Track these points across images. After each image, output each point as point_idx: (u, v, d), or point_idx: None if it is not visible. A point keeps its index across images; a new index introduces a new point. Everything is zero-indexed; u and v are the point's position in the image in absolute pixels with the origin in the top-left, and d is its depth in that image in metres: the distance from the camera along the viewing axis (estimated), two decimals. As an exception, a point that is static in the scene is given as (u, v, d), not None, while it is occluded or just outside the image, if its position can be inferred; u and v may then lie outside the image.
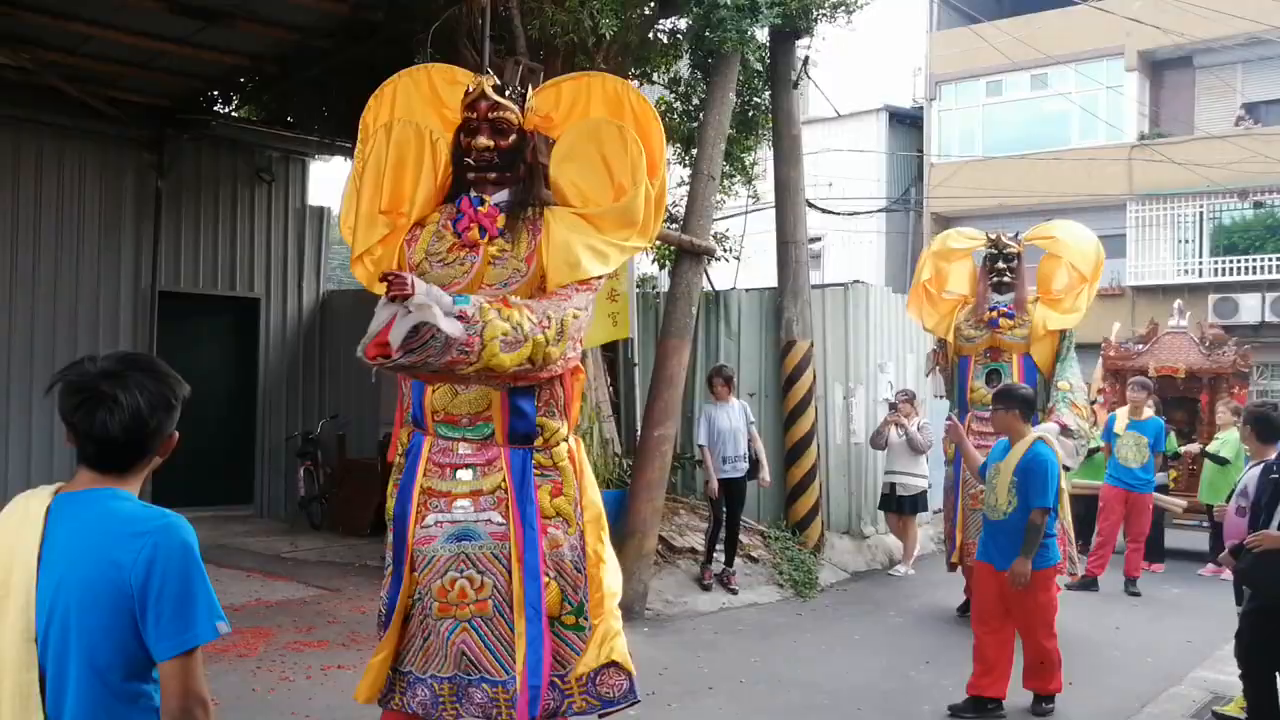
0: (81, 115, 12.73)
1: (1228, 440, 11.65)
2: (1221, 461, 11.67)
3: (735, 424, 10.07)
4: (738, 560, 10.23)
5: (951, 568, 9.56)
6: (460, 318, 4.14)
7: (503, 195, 4.92)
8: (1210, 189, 23.96)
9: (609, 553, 5.02)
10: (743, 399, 10.70)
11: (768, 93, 12.31)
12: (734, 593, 9.92)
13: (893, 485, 11.49)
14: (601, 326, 10.09)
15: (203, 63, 12.19)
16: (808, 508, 11.35)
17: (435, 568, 4.73)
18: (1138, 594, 10.84)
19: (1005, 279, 9.51)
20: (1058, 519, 7.00)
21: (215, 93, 13.84)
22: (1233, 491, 7.04)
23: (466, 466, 4.81)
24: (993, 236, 9.76)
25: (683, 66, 12.42)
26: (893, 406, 11.60)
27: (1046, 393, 9.26)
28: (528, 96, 5.05)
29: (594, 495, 5.07)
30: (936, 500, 11.64)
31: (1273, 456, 6.54)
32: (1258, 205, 24.57)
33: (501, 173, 4.94)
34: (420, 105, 5.19)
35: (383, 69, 11.12)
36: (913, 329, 13.37)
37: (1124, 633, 9.26)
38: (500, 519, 4.73)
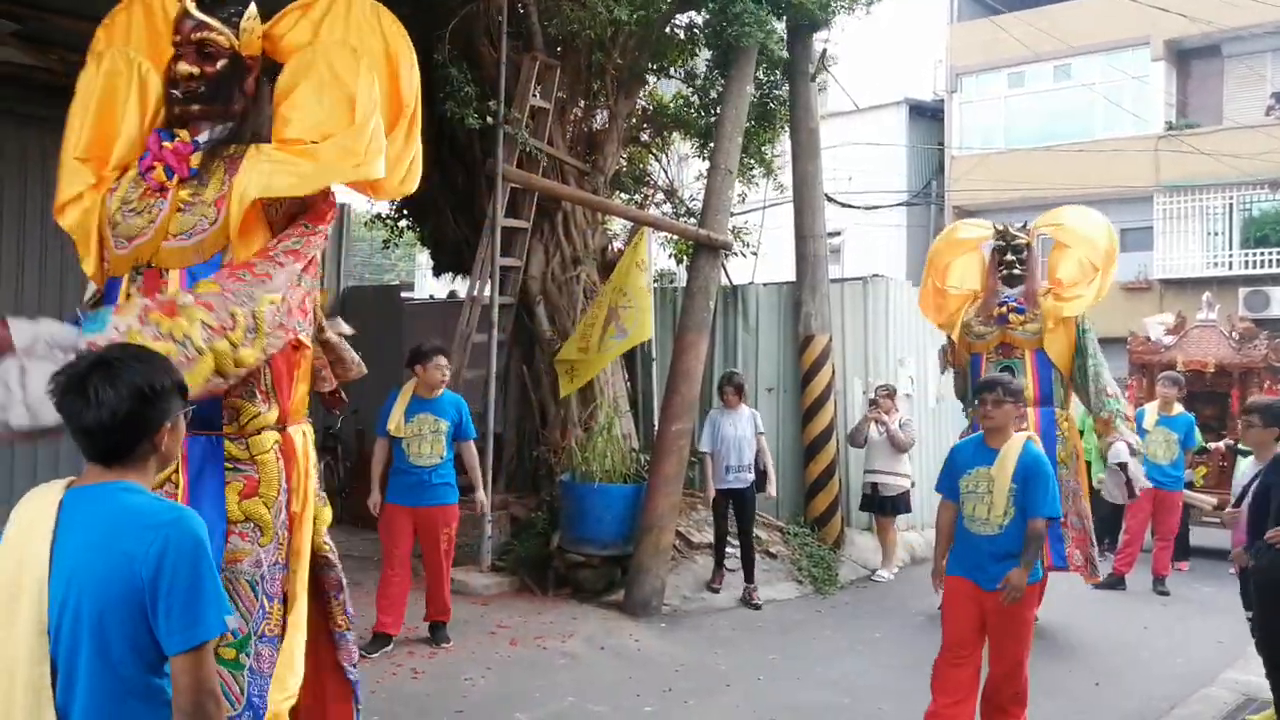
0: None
1: None
2: None
3: (742, 433, 9.76)
4: (755, 556, 10.17)
5: None
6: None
7: (208, 131, 4.31)
8: (1240, 180, 23.75)
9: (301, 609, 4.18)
10: (754, 405, 10.48)
11: (786, 86, 12.26)
12: (757, 608, 9.54)
13: (874, 485, 10.99)
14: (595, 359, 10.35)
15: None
16: (827, 503, 11.31)
17: None
18: (1166, 593, 10.70)
19: (1015, 271, 9.21)
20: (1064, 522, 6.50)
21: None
22: (1246, 491, 6.83)
23: None
24: (1000, 227, 9.51)
25: (700, 60, 12.40)
26: (873, 403, 11.15)
27: (1064, 389, 9.08)
28: (245, 16, 4.39)
29: (320, 506, 4.45)
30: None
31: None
32: (1288, 196, 24.35)
33: (209, 105, 4.30)
34: (143, 33, 4.53)
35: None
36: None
37: (1152, 632, 9.20)
38: None
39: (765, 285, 12.42)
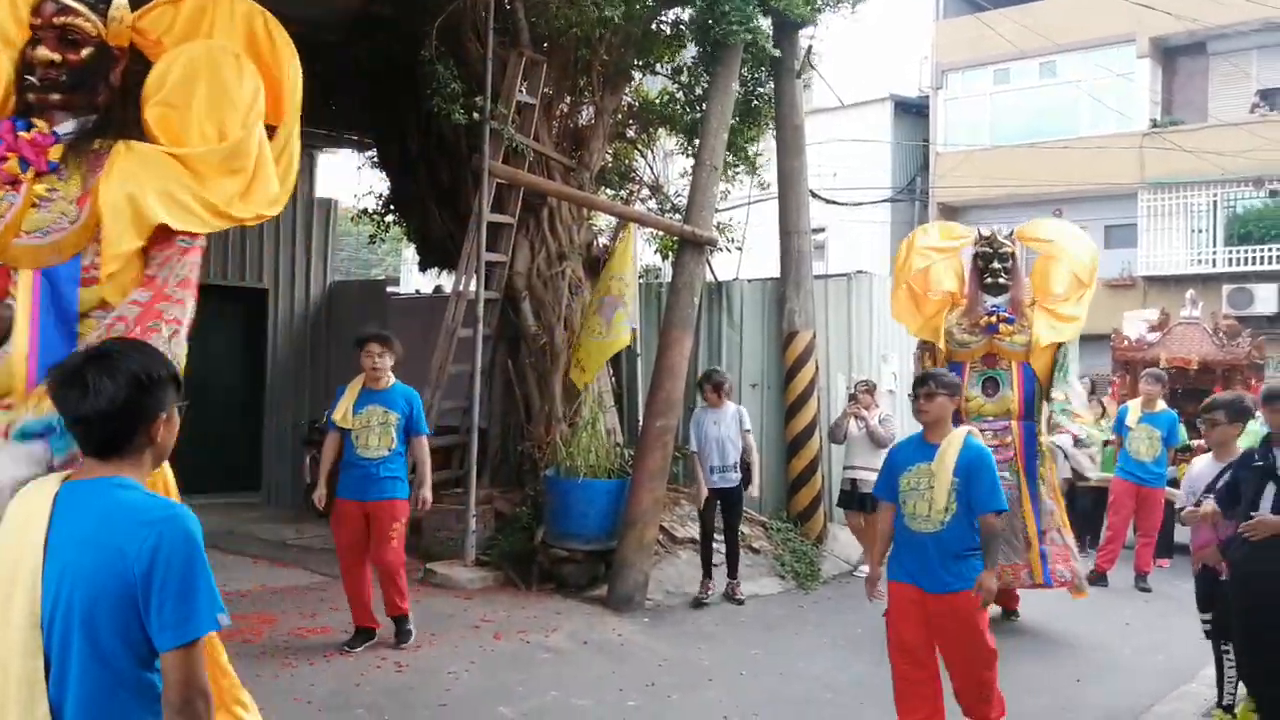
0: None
1: (1254, 433, 11.50)
2: None
3: (725, 432, 9.55)
4: (740, 552, 10.18)
5: None
6: None
7: (70, 123, 4.06)
8: (1224, 178, 23.83)
9: None
10: (739, 401, 10.33)
11: (771, 83, 12.29)
12: (740, 603, 9.52)
13: (853, 481, 10.57)
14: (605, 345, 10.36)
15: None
16: (810, 499, 11.36)
17: None
18: (1148, 590, 10.73)
19: (1000, 280, 9.00)
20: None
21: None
22: (1210, 490, 6.47)
23: None
24: (985, 234, 9.27)
25: (686, 57, 12.43)
26: (852, 397, 10.82)
27: (1042, 402, 8.99)
28: (114, 5, 4.15)
29: None
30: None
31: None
32: (1273, 194, 24.42)
33: (71, 94, 4.05)
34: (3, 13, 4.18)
35: (391, 63, 11.30)
36: (917, 319, 13.36)
37: (1134, 629, 9.25)
38: None
39: (750, 281, 12.44)
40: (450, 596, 9.27)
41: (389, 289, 16.54)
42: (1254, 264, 24.06)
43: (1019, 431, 8.78)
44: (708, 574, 9.66)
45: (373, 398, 7.63)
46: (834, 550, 11.37)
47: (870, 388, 10.83)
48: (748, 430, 9.73)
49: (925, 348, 9.43)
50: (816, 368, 11.64)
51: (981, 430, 7.20)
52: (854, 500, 10.61)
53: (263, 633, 7.85)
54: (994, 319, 8.85)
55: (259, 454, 14.74)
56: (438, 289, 15.12)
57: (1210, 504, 6.16)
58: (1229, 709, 6.46)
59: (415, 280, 22.83)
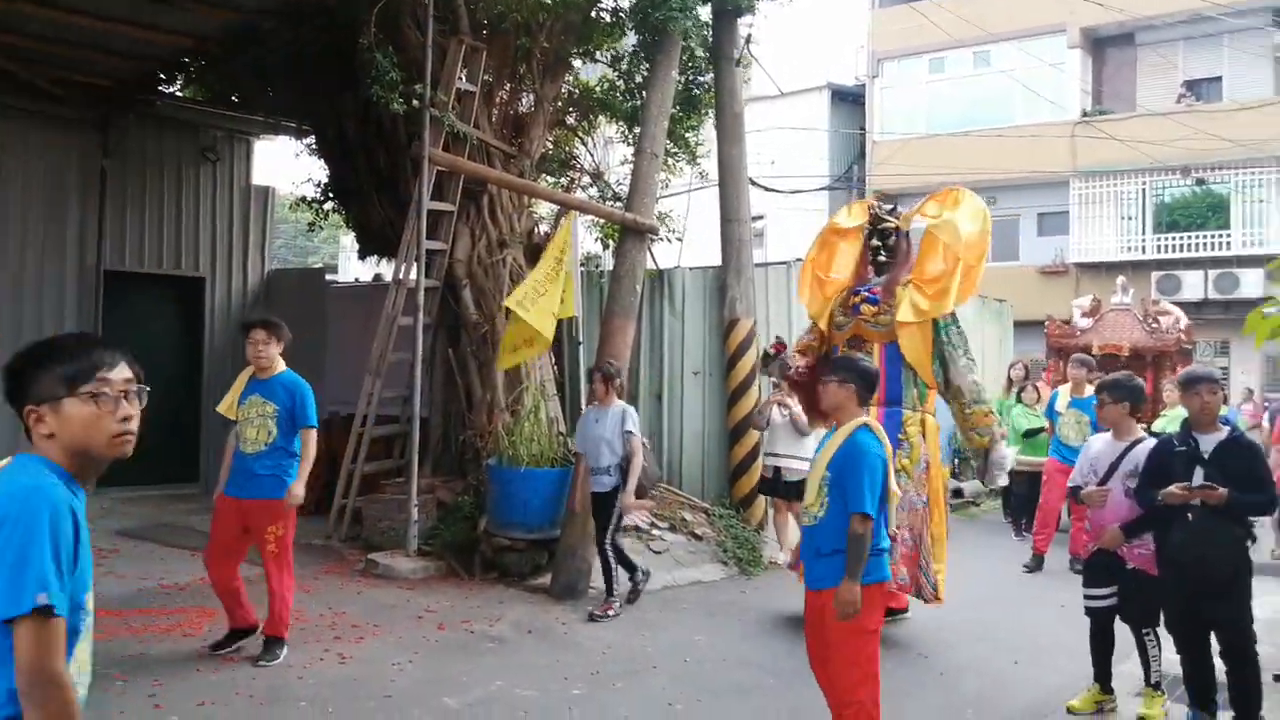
0: (25, 96, 12.54)
1: (1174, 417, 11.69)
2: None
3: (606, 433, 8.82)
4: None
5: None
6: None
7: None
8: (1153, 166, 24.22)
9: None
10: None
11: (710, 73, 12.32)
12: (596, 619, 8.51)
13: (776, 469, 10.27)
14: (548, 312, 9.81)
15: (148, 43, 11.99)
16: (751, 485, 11.41)
17: None
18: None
19: (880, 258, 8.56)
20: (887, 528, 5.36)
21: (161, 73, 13.68)
22: (1112, 471, 6.62)
23: None
24: (871, 209, 8.81)
25: (626, 44, 12.42)
26: (776, 385, 10.34)
27: (916, 390, 8.33)
28: None
29: None
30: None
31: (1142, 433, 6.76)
32: (1200, 183, 24.86)
33: None
34: None
35: (329, 50, 11.20)
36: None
37: (1070, 610, 9.33)
38: None
39: (691, 269, 12.46)
40: (393, 587, 9.22)
41: (328, 277, 16.41)
42: (1181, 251, 24.50)
43: (879, 417, 7.97)
44: (609, 591, 8.85)
45: (256, 387, 7.23)
46: (775, 536, 11.42)
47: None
48: (630, 432, 8.81)
49: (814, 333, 9.03)
50: (757, 355, 11.69)
51: None
52: (776, 488, 10.42)
53: (202, 626, 7.76)
54: (858, 299, 8.46)
55: (196, 445, 14.56)
56: (377, 277, 15.04)
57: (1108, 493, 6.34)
58: (1157, 686, 6.59)
59: (354, 268, 22.67)
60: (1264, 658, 6.23)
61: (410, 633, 7.86)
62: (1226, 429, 6.21)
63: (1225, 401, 13.49)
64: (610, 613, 8.60)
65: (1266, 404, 22.92)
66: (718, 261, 12.04)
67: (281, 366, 7.26)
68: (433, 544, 9.97)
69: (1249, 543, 6.08)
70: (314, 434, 7.25)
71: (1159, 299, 18.82)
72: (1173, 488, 5.96)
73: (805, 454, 9.95)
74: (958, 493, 14.68)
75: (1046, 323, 14.96)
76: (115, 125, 13.60)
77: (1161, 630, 6.52)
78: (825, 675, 5.38)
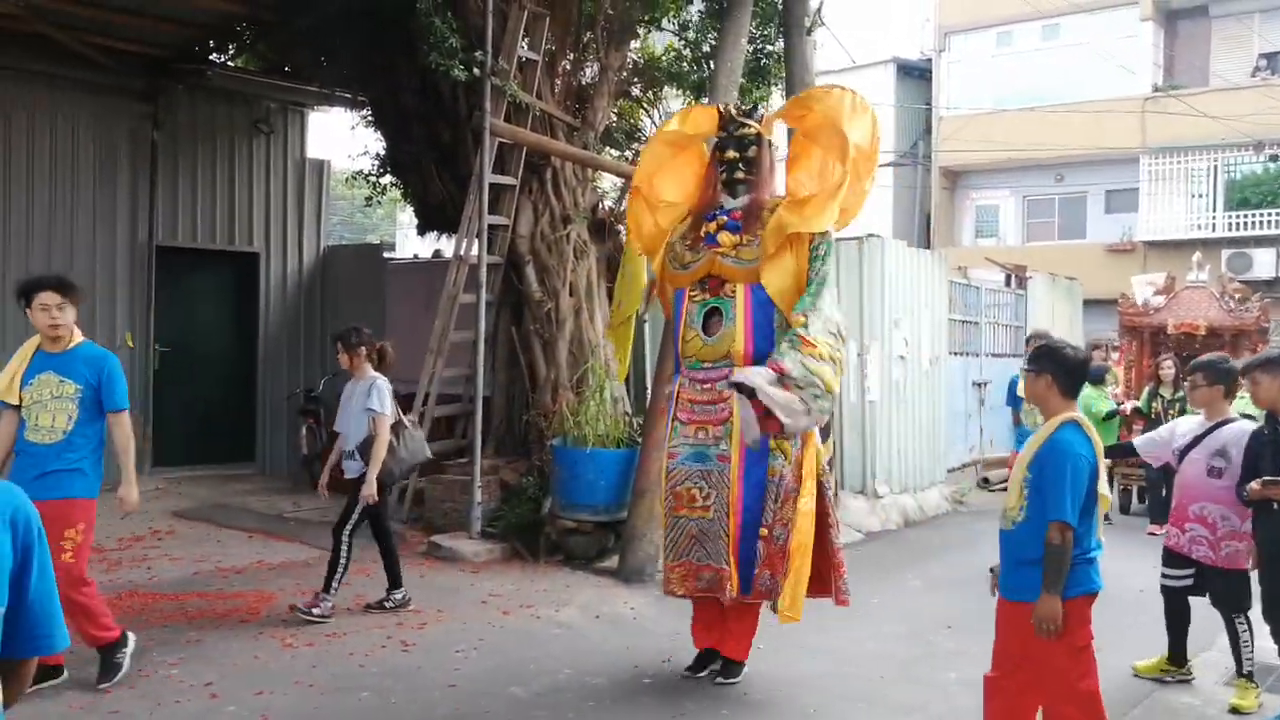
0: (74, 64, 12.41)
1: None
2: (1251, 420, 11.26)
3: (353, 410, 7.70)
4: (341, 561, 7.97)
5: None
6: None
7: None
8: (1224, 143, 23.70)
9: None
10: (381, 375, 7.85)
11: (780, 40, 11.96)
12: (301, 615, 7.41)
13: None
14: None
15: (199, 9, 11.85)
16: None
17: None
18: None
19: (737, 175, 6.49)
20: (1097, 532, 4.80)
21: (211, 42, 13.50)
22: (1192, 446, 6.53)
23: None
24: (722, 109, 6.79)
25: (693, 11, 12.11)
26: None
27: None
28: None
29: None
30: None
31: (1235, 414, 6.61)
32: (1273, 159, 24.32)
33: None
34: None
35: (384, 16, 10.93)
36: (927, 285, 13.10)
37: (1148, 596, 8.96)
38: None
39: (761, 245, 12.07)
40: (456, 570, 9.00)
41: (385, 254, 16.21)
42: (1252, 229, 24.00)
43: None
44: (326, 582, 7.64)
45: (48, 363, 5.92)
46: (845, 519, 10.98)
47: None
48: (371, 409, 7.56)
49: (650, 281, 7.56)
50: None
51: (700, 382, 6.29)
52: None
53: (260, 611, 7.61)
54: (714, 226, 6.44)
55: (252, 424, 14.44)
56: (437, 253, 14.80)
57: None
58: (1250, 676, 6.33)
59: (412, 245, 22.51)
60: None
61: (475, 618, 7.62)
62: None
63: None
64: (315, 611, 7.40)
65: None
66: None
67: (79, 337, 6.03)
68: (496, 526, 9.74)
69: None
70: (127, 418, 6.09)
71: (1231, 277, 18.33)
72: (1254, 484, 5.82)
73: None
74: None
75: (1120, 301, 14.52)
76: (166, 96, 13.46)
77: (1256, 616, 6.24)
78: (1017, 683, 4.82)
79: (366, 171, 14.03)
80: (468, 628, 7.39)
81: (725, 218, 6.41)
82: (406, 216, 17.23)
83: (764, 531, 6.13)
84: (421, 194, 12.75)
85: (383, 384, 7.65)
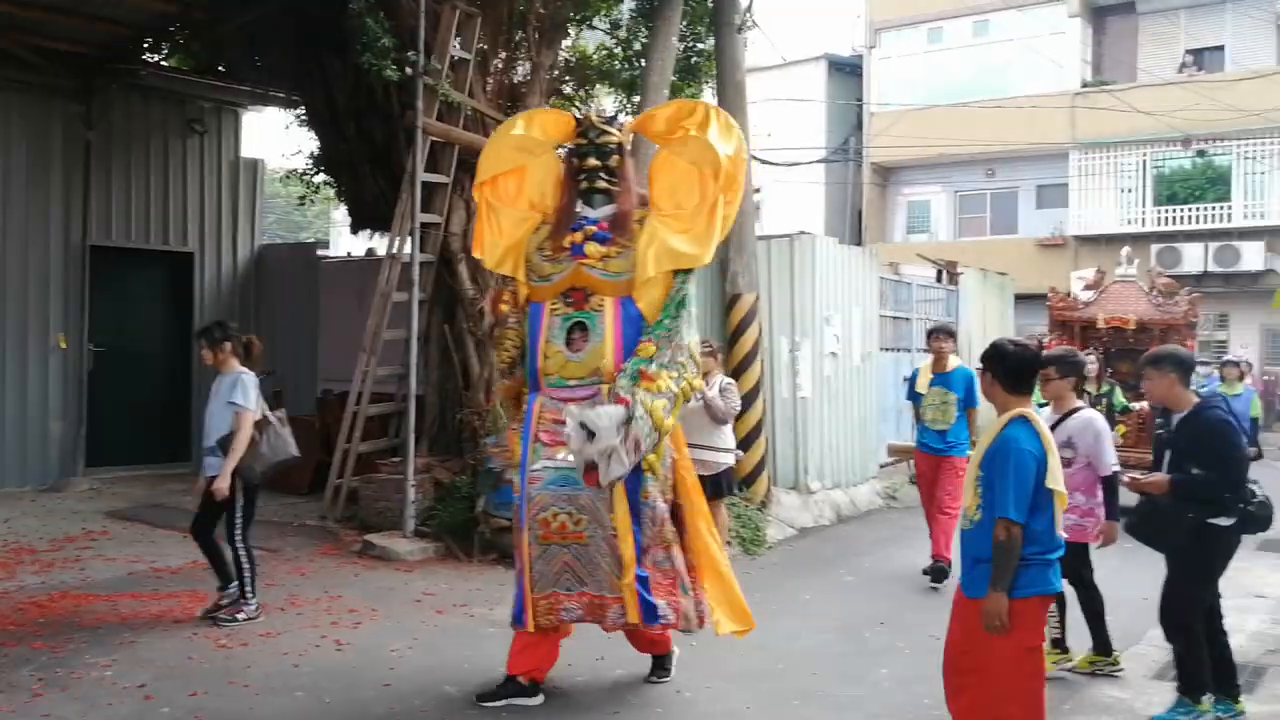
0: (5, 64, 12.29)
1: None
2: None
3: (216, 405, 7.42)
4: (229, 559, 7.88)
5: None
6: None
7: None
8: (1153, 137, 24.06)
9: None
10: (252, 371, 7.65)
11: (711, 39, 12.05)
12: (221, 624, 7.28)
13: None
14: None
15: (131, 9, 11.74)
16: (754, 463, 11.22)
17: None
18: (940, 581, 9.01)
19: (599, 184, 6.22)
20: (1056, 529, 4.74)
21: (145, 42, 13.39)
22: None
23: None
24: (580, 116, 6.55)
25: (624, 10, 12.16)
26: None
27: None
28: None
29: None
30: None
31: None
32: (1200, 154, 24.71)
33: None
34: None
35: (316, 16, 10.91)
36: (858, 281, 13.24)
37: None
38: None
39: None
40: (390, 569, 9.02)
41: (320, 252, 16.15)
42: (1181, 223, 24.38)
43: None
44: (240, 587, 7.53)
45: None
46: (779, 515, 11.27)
47: (712, 350, 8.90)
48: (234, 403, 7.30)
49: (505, 284, 7.18)
50: (760, 330, 11.47)
51: (563, 401, 5.95)
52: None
53: (194, 611, 7.56)
54: (580, 237, 6.12)
55: (187, 424, 14.31)
56: (370, 252, 14.78)
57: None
58: (1056, 643, 6.81)
59: (346, 243, 22.40)
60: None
61: (409, 617, 7.65)
62: (1194, 404, 6.00)
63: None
64: (239, 616, 7.34)
65: (1266, 377, 22.85)
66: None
67: None
68: (430, 525, 9.75)
69: (1220, 520, 5.77)
70: None
71: (1161, 271, 18.63)
72: (1125, 478, 6.15)
73: (723, 444, 9.05)
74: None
75: (1049, 295, 14.72)
76: (99, 96, 13.34)
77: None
78: (961, 682, 4.81)
79: (300, 170, 14.00)
80: (402, 626, 7.41)
81: (592, 228, 6.11)
82: (340, 215, 17.17)
83: (647, 561, 5.96)
84: (355, 192, 12.73)
85: (248, 378, 7.42)
